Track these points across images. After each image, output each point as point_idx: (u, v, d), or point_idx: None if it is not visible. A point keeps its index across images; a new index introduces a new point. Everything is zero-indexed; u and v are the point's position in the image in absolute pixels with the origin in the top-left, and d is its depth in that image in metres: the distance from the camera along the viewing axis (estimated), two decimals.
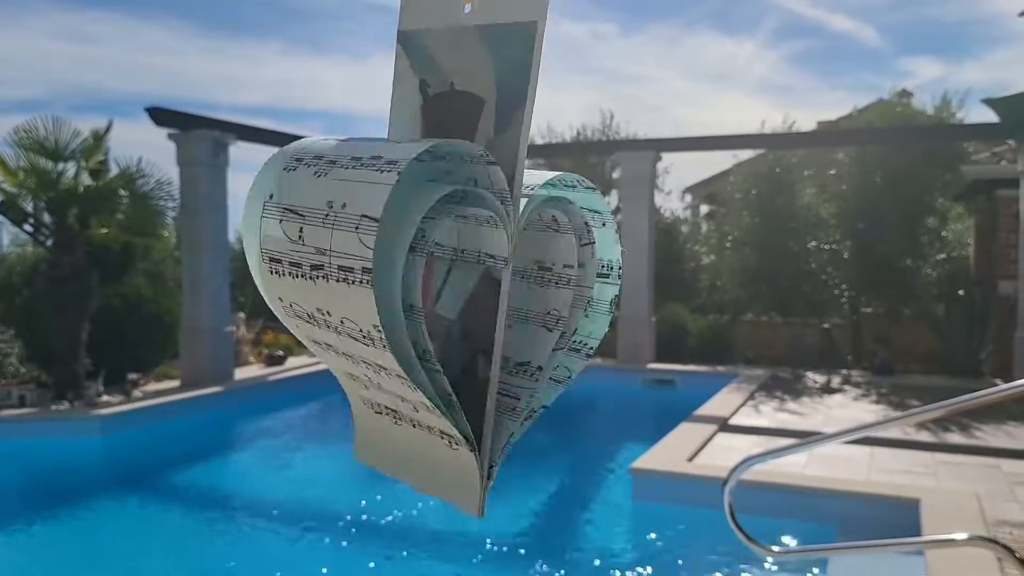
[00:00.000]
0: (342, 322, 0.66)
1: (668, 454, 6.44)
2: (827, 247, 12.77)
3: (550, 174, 0.76)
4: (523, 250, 0.75)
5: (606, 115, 15.34)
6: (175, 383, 10.22)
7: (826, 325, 12.99)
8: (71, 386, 8.79)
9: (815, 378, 10.95)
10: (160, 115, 10.15)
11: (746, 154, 14.16)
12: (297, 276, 0.67)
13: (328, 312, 0.67)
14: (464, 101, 0.76)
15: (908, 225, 12.04)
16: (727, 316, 13.74)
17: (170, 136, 10.39)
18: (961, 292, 12.28)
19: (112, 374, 9.49)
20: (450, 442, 0.72)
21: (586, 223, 0.77)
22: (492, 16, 0.74)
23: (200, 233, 10.42)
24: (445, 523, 6.39)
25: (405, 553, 5.74)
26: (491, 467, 0.74)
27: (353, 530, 6.15)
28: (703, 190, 21.36)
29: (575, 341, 0.80)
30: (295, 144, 0.73)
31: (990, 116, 10.02)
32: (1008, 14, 26.34)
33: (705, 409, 8.41)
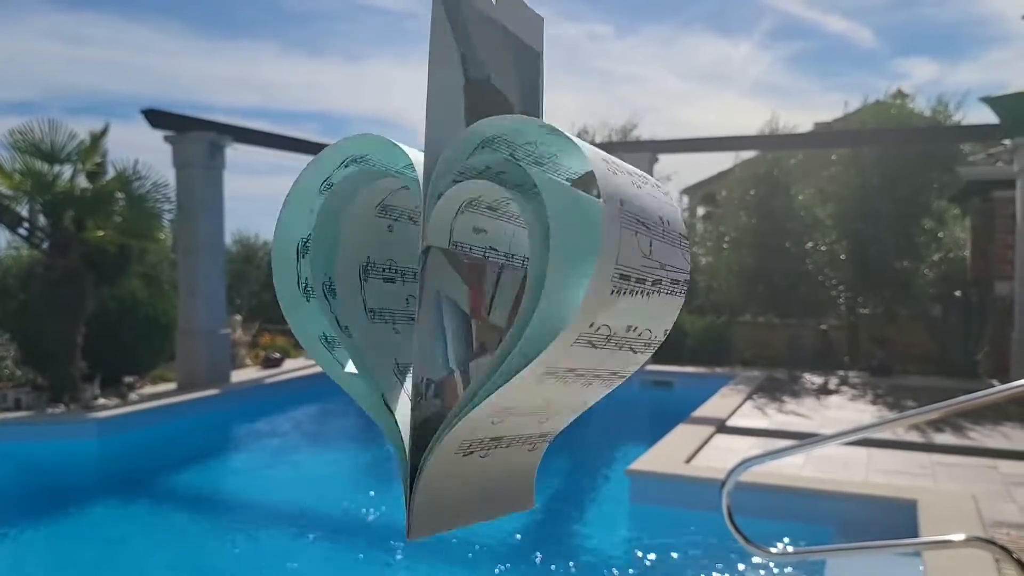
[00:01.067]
0: (647, 331, 0.63)
1: (666, 456, 6.44)
2: (824, 248, 12.79)
3: None
4: None
5: (621, 124, 15.33)
6: (171, 385, 10.20)
7: (823, 326, 13.01)
8: (67, 389, 8.76)
9: (812, 379, 10.96)
10: (156, 117, 10.13)
11: (743, 155, 14.18)
12: (637, 294, 0.59)
13: (637, 328, 0.62)
14: (503, 104, 0.71)
15: (904, 226, 12.06)
16: (724, 317, 13.75)
17: (166, 138, 10.38)
18: (958, 293, 12.29)
19: (108, 377, 9.47)
20: (534, 445, 0.70)
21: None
22: (513, 25, 0.71)
23: (196, 235, 10.40)
24: None
25: (401, 555, 5.72)
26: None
27: (351, 532, 6.14)
28: (700, 191, 21.38)
29: None
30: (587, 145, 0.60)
31: (986, 117, 10.04)
32: (1003, 14, 26.39)
33: (703, 410, 8.41)
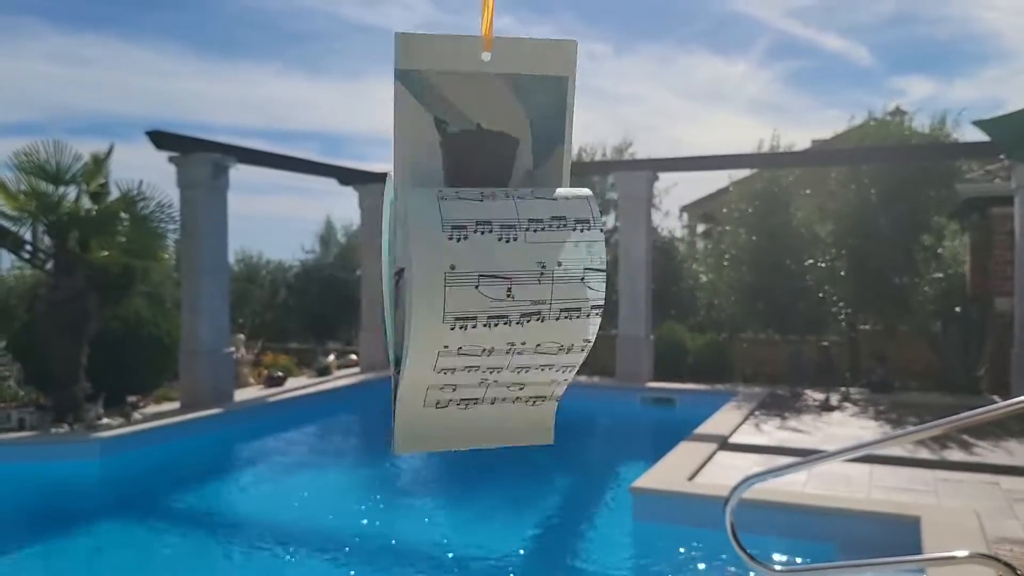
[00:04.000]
0: (538, 345, 0.81)
1: (669, 473, 6.45)
2: (824, 264, 12.83)
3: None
4: None
5: (618, 141, 15.41)
6: (175, 405, 10.22)
7: (824, 342, 13.02)
8: (71, 409, 8.78)
9: (814, 395, 10.97)
10: (160, 138, 10.20)
11: (742, 173, 14.24)
12: (496, 325, 0.78)
13: (524, 342, 0.80)
14: (496, 140, 0.87)
15: (903, 242, 12.10)
16: (725, 334, 13.77)
17: (170, 159, 10.44)
18: (958, 309, 12.32)
19: (112, 397, 9.48)
20: (535, 402, 0.90)
21: None
22: (519, 67, 0.86)
23: (200, 255, 10.45)
24: (442, 543, 6.39)
25: (402, 574, 5.73)
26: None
27: (354, 552, 6.14)
28: (699, 209, 21.45)
29: None
30: (428, 211, 0.79)
31: (983, 134, 10.10)
32: (999, 32, 26.54)
33: (705, 428, 8.42)
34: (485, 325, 0.78)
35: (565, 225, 0.79)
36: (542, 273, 0.77)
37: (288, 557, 6.15)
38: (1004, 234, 11.55)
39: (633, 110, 32.86)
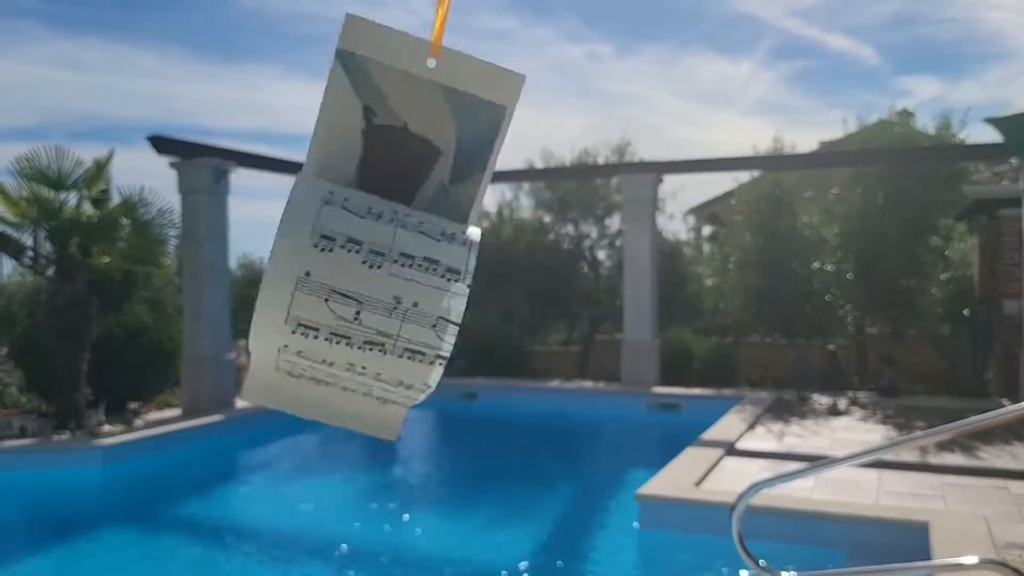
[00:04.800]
0: (378, 374, 0.81)
1: (675, 479, 6.38)
2: (830, 267, 12.75)
3: None
4: None
5: (616, 141, 15.30)
6: (176, 411, 10.18)
7: (831, 346, 12.94)
8: (72, 416, 8.74)
9: (821, 400, 10.88)
10: (161, 143, 10.18)
11: (747, 175, 14.16)
12: (338, 343, 0.79)
13: (363, 367, 0.81)
14: (419, 145, 0.86)
15: (910, 245, 12.02)
16: (731, 338, 13.69)
17: (171, 164, 10.42)
18: (966, 312, 12.23)
19: (113, 403, 9.45)
20: (385, 403, 0.88)
21: None
22: (460, 83, 0.85)
23: (201, 260, 10.42)
24: (447, 551, 6.33)
25: None
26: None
27: (357, 560, 6.08)
28: (705, 211, 21.39)
29: None
30: (304, 213, 0.79)
31: (990, 136, 10.03)
32: (1004, 32, 26.45)
33: (711, 433, 8.35)
34: (327, 339, 0.78)
35: (435, 270, 0.79)
36: (395, 308, 0.78)
37: (291, 564, 6.09)
38: (1012, 236, 11.45)
39: (636, 112, 32.83)
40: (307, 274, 0.76)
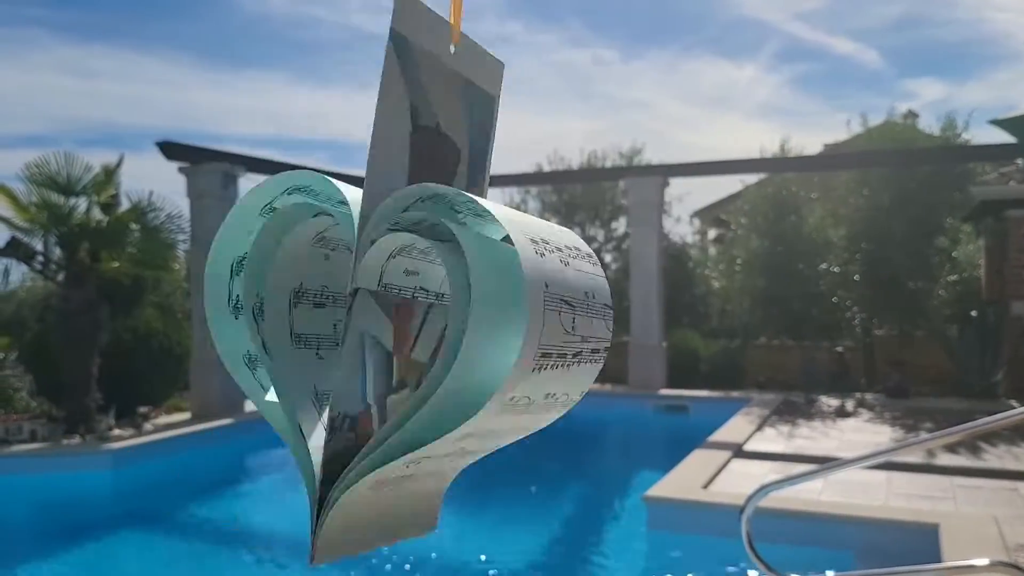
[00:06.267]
0: (566, 395, 0.67)
1: (683, 481, 6.38)
2: (837, 269, 12.73)
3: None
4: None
5: (627, 147, 15.36)
6: (186, 415, 10.22)
7: (838, 348, 12.92)
8: (82, 420, 8.78)
9: (829, 402, 10.87)
10: (170, 149, 10.23)
11: (753, 177, 14.17)
12: (558, 367, 0.63)
13: (555, 395, 0.66)
14: (450, 147, 0.75)
15: (917, 246, 12.00)
16: (738, 340, 13.68)
17: (180, 169, 10.47)
18: (973, 313, 12.20)
19: (123, 407, 9.48)
20: (443, 476, 0.75)
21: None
22: (471, 72, 0.75)
23: None
24: (453, 553, 6.34)
25: None
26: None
27: (361, 561, 6.09)
28: (710, 214, 21.38)
29: None
30: (517, 220, 0.63)
31: (997, 136, 10.01)
32: (1009, 34, 26.41)
33: (719, 435, 8.35)
34: (553, 366, 0.62)
35: (582, 255, 0.67)
36: (588, 305, 0.65)
37: (301, 568, 6.10)
38: (1020, 237, 11.44)
39: (641, 116, 32.85)
40: (546, 286, 0.60)
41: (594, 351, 0.66)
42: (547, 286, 0.60)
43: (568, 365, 0.64)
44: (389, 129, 0.69)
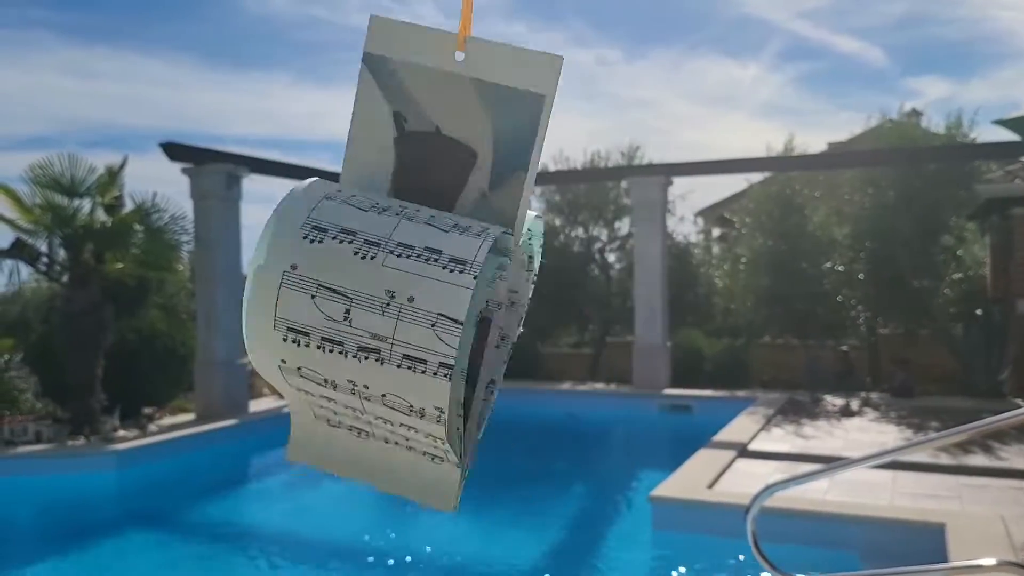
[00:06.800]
0: (383, 395, 0.71)
1: (688, 481, 6.37)
2: (841, 268, 12.71)
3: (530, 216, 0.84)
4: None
5: (627, 145, 15.29)
6: (190, 416, 10.22)
7: (843, 347, 12.89)
8: (87, 421, 8.79)
9: (834, 401, 10.85)
10: (174, 150, 10.23)
11: (757, 176, 14.14)
12: (331, 352, 0.69)
13: (366, 386, 0.70)
14: (454, 149, 0.80)
15: (922, 244, 11.97)
16: (742, 339, 13.66)
17: (184, 170, 10.47)
18: (979, 312, 12.16)
19: (127, 408, 9.49)
20: (434, 459, 0.79)
21: (530, 256, 0.87)
22: (492, 75, 0.78)
23: (214, 266, 10.47)
24: (460, 553, 6.33)
25: None
26: (466, 470, 0.82)
27: (373, 564, 6.09)
28: (714, 213, 21.34)
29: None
30: (299, 205, 0.72)
31: (1002, 135, 9.99)
32: (1014, 32, 26.33)
33: (723, 435, 8.33)
34: (319, 347, 0.69)
35: (436, 260, 0.69)
36: (388, 304, 0.68)
37: (306, 567, 6.11)
38: None
39: (645, 115, 32.82)
40: (293, 267, 0.68)
41: (408, 358, 0.68)
42: (294, 267, 0.69)
43: (354, 356, 0.69)
44: (367, 139, 0.79)
